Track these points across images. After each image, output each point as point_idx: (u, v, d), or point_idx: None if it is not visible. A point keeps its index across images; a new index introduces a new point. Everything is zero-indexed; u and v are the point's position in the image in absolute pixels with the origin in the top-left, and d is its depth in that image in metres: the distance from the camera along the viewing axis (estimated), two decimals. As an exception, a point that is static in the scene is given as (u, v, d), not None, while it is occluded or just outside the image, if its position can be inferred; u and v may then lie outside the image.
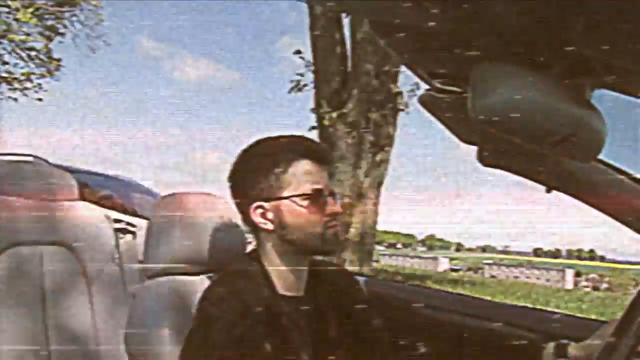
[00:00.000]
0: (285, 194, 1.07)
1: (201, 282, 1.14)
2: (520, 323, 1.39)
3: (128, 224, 1.51)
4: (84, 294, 1.33)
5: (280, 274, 1.10)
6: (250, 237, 1.29)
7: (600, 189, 1.08)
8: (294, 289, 1.12)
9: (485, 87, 0.66)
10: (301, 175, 1.08)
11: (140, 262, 1.38)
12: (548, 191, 1.11)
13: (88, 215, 1.42)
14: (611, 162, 1.06)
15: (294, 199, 1.07)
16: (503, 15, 0.63)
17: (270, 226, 1.09)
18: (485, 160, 1.06)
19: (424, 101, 0.95)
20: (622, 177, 1.06)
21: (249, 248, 1.33)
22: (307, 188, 1.07)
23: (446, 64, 0.78)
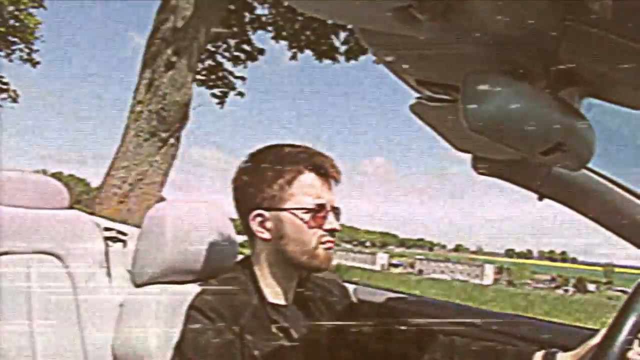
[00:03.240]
0: (288, 205, 1.07)
1: (191, 291, 1.13)
2: (512, 331, 1.39)
3: (119, 232, 1.49)
4: (72, 302, 1.31)
5: (270, 282, 1.10)
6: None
7: (590, 197, 1.09)
8: (283, 298, 1.11)
9: (476, 95, 0.66)
10: (305, 189, 1.08)
11: (130, 270, 1.36)
12: (540, 199, 1.12)
13: (77, 223, 1.40)
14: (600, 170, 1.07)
15: (295, 211, 1.07)
16: (492, 24, 0.64)
17: (267, 235, 1.09)
18: (479, 168, 1.06)
19: (414, 109, 0.96)
20: (612, 185, 1.07)
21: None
22: (309, 202, 1.07)
23: (436, 72, 0.78)
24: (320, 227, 1.07)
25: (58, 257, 1.33)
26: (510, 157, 0.91)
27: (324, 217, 1.08)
